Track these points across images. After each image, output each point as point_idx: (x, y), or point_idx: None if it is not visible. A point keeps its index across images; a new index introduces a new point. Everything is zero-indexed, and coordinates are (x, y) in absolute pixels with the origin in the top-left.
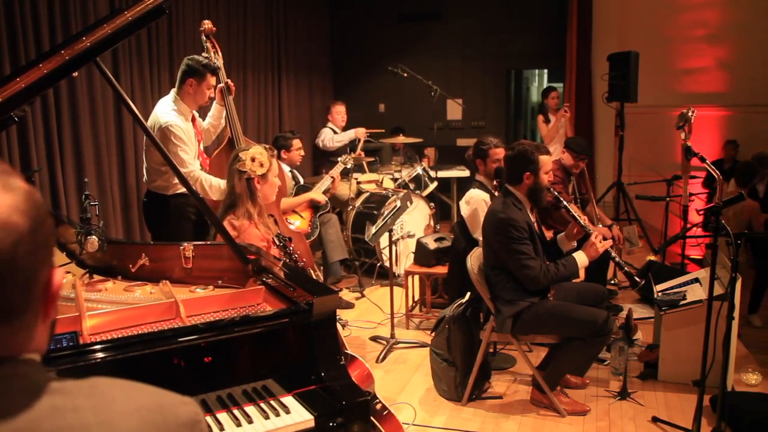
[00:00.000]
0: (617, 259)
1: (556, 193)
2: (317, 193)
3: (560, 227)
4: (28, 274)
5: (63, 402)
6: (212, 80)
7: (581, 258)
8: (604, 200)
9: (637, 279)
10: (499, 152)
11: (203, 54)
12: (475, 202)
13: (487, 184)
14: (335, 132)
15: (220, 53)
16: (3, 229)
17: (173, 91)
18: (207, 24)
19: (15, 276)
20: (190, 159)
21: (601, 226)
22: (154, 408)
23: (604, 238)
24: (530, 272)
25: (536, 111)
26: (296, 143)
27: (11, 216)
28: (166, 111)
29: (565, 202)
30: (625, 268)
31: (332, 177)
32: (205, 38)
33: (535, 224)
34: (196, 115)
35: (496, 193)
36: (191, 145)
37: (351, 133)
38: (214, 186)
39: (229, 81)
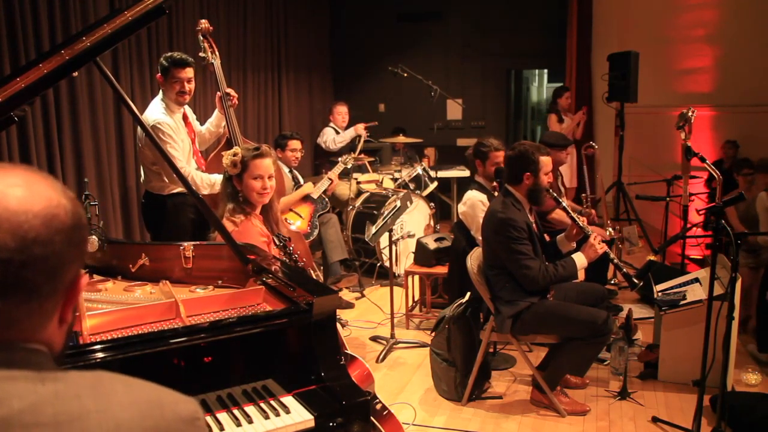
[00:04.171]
0: (616, 261)
1: (555, 195)
2: (308, 186)
3: (557, 227)
4: (57, 263)
5: (66, 389)
6: (178, 72)
7: (580, 259)
8: (604, 200)
9: (636, 281)
10: (499, 155)
11: (200, 53)
12: (472, 203)
13: (486, 185)
14: (337, 132)
15: (217, 53)
16: (49, 222)
17: (161, 91)
18: (204, 23)
19: (46, 260)
20: (180, 156)
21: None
22: (154, 402)
23: (604, 240)
24: (529, 272)
25: (536, 111)
26: (292, 144)
27: (59, 212)
28: (153, 110)
29: (564, 204)
30: (624, 270)
31: (330, 179)
32: (201, 38)
33: (534, 225)
34: (191, 115)
35: (496, 194)
36: (180, 143)
37: (351, 131)
38: (205, 180)
39: (230, 91)
